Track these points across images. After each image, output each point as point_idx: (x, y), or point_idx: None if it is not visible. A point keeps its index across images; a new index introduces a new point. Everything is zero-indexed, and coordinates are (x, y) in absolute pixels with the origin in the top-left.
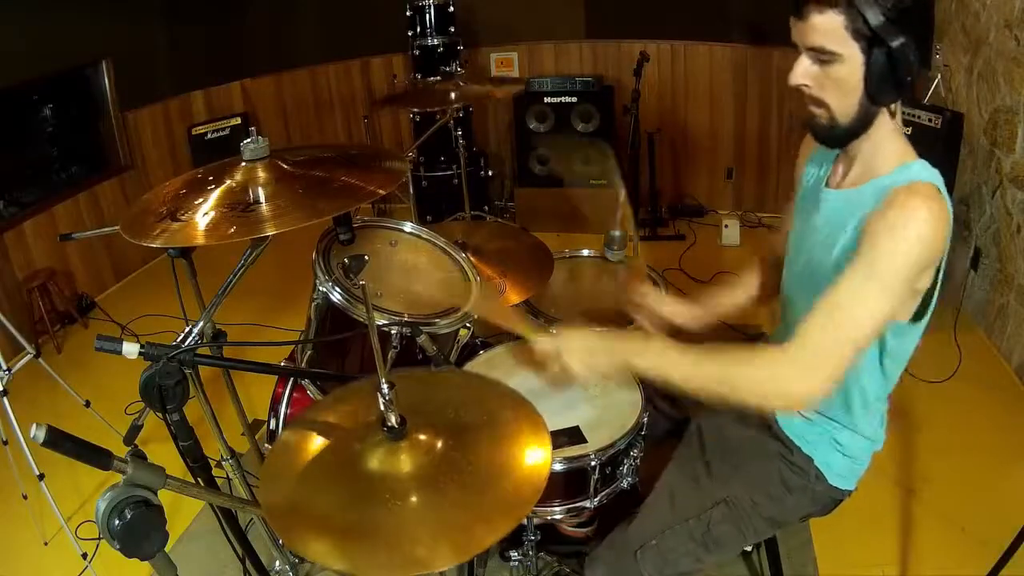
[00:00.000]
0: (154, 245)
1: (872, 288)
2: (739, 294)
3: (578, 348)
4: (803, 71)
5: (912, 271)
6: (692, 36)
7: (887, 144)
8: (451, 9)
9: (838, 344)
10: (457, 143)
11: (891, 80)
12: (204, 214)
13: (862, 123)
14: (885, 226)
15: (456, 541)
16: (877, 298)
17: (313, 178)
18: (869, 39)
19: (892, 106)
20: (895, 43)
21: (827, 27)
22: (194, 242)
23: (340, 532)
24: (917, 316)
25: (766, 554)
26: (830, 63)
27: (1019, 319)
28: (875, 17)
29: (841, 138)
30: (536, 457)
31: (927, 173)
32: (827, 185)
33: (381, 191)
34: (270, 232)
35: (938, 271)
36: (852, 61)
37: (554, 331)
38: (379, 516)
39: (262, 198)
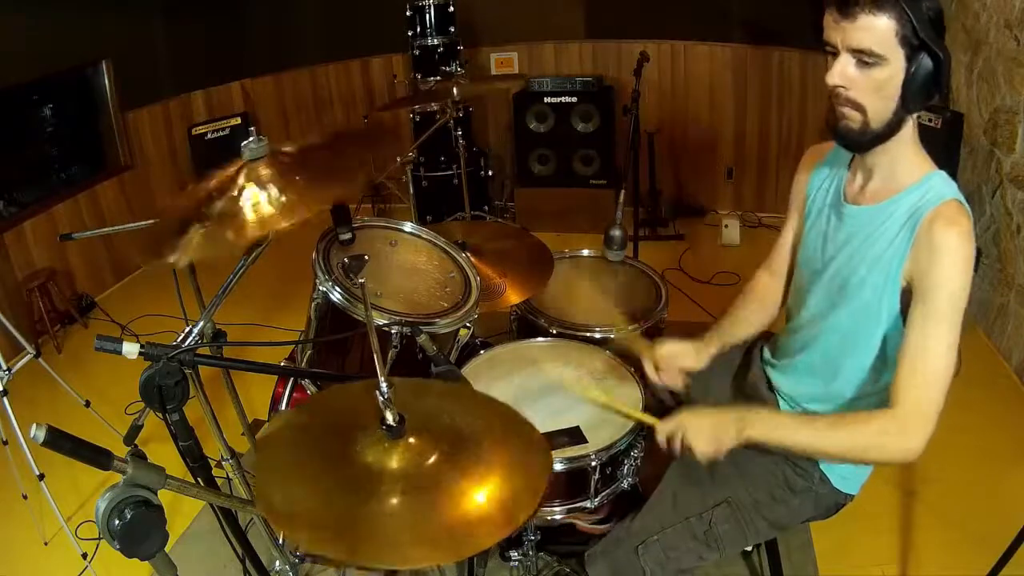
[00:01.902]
0: (181, 263)
1: (942, 331)
2: (750, 326)
3: (704, 431)
4: (842, 71)
5: (966, 292)
6: (692, 36)
7: (907, 154)
8: (451, 9)
9: (931, 393)
10: (457, 143)
11: (928, 88)
12: (220, 220)
13: (892, 129)
14: (936, 270)
15: (452, 541)
16: (948, 335)
17: (316, 164)
18: (915, 46)
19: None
20: (940, 52)
21: (877, 30)
22: (217, 251)
23: (336, 524)
24: None
25: (766, 554)
26: (873, 66)
27: (1019, 319)
28: (923, 25)
29: (869, 143)
30: (529, 479)
31: (948, 187)
32: (846, 199)
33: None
34: (295, 220)
35: None
36: (895, 66)
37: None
38: (374, 511)
39: (275, 192)
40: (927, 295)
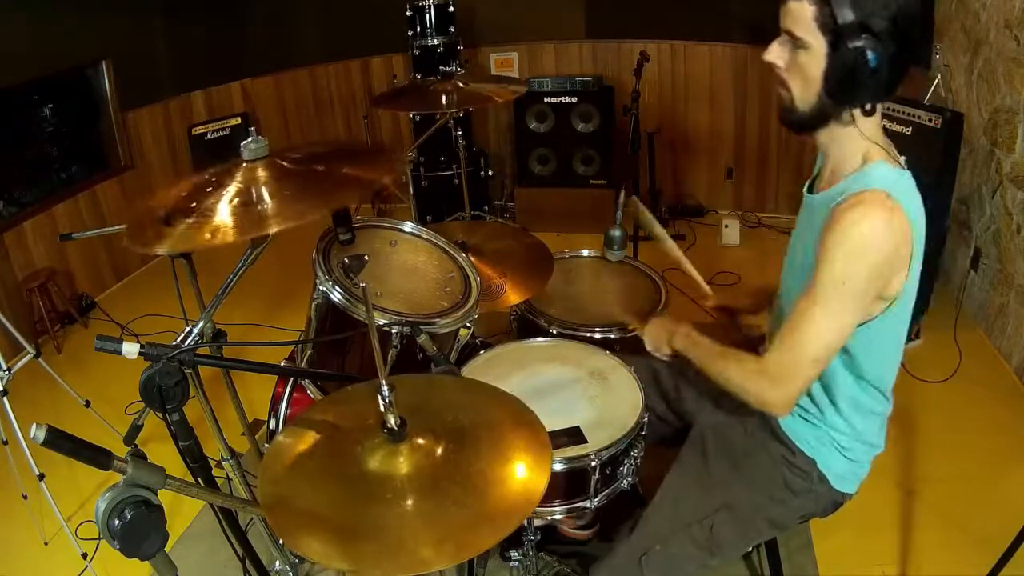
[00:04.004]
0: (160, 252)
1: (814, 312)
2: None
3: (652, 332)
4: (775, 50)
5: (861, 284)
6: (692, 36)
7: (849, 147)
8: (451, 9)
9: (796, 361)
10: (457, 143)
11: (851, 81)
12: (206, 216)
13: (818, 116)
14: (826, 248)
15: (456, 542)
16: (824, 318)
17: (313, 173)
18: (836, 35)
19: (867, 106)
20: (854, 44)
21: (799, 14)
22: (197, 245)
23: (340, 532)
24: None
25: (766, 555)
26: (798, 48)
27: (1019, 319)
28: (844, 15)
29: (797, 124)
30: (535, 462)
31: (883, 178)
32: (810, 190)
33: (385, 180)
34: (272, 229)
35: (911, 271)
36: (816, 52)
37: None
38: (380, 516)
39: (265, 198)
40: (819, 276)
